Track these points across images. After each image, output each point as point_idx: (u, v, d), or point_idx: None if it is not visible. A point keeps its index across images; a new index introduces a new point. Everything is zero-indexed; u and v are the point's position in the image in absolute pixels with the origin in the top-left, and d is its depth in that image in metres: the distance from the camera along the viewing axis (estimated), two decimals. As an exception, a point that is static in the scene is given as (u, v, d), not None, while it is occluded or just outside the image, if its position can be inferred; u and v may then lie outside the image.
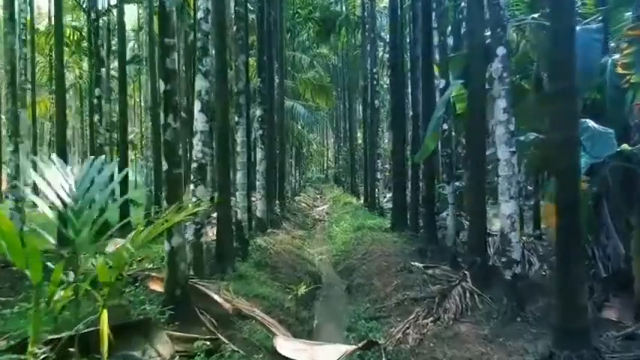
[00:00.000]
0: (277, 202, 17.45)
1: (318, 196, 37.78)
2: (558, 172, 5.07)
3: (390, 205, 21.42)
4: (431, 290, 7.80)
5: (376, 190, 20.32)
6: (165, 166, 5.46)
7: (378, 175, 20.05)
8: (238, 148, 9.60)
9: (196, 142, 6.61)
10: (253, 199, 14.23)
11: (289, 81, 23.40)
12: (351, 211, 21.08)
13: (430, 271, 9.22)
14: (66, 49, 28.33)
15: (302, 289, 7.56)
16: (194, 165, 6.61)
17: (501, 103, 6.55)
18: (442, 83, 9.82)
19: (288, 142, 24.04)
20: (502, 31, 6.61)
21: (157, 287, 5.98)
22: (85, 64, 27.82)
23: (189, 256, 6.45)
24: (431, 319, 6.54)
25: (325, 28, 28.56)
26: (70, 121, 35.90)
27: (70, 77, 30.69)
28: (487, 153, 9.18)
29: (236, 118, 9.63)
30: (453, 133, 11.10)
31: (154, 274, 6.14)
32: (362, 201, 24.24)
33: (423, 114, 11.46)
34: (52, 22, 27.27)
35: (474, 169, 8.04)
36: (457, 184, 14.40)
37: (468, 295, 7.52)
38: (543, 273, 10.14)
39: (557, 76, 5.07)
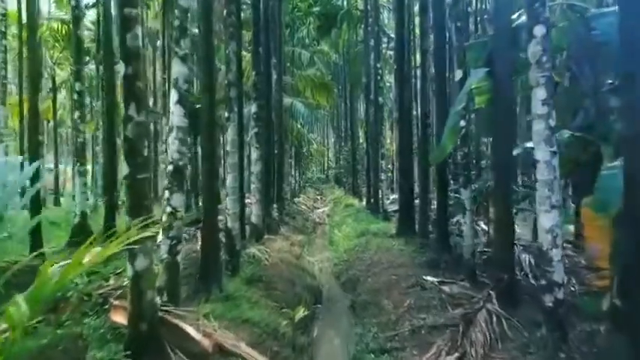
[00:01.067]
0: (275, 205, 16.31)
1: (319, 197, 36.79)
2: (629, 177, 3.95)
3: (393, 207, 20.33)
4: (452, 314, 6.67)
5: (379, 191, 19.18)
6: (125, 169, 4.33)
7: (382, 176, 18.92)
8: (229, 148, 8.47)
9: (172, 140, 5.49)
10: (249, 200, 13.13)
11: (288, 77, 22.25)
12: (353, 214, 19.97)
13: (446, 288, 8.09)
14: (56, 44, 27.24)
15: (300, 313, 6.43)
16: (169, 168, 5.49)
17: (540, 94, 5.42)
18: (459, 74, 8.68)
19: (287, 141, 22.91)
20: (541, 7, 5.48)
21: (120, 319, 4.85)
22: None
23: (162, 279, 5.34)
24: (456, 355, 5.41)
25: (326, 23, 27.45)
26: (67, 121, 34.83)
27: (61, 74, 29.62)
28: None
29: (226, 114, 8.51)
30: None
31: (116, 302, 5.01)
32: (364, 203, 23.15)
33: (436, 109, 10.35)
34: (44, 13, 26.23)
35: (499, 172, 6.91)
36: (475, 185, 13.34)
37: (495, 320, 6.40)
38: (572, 289, 9.06)
39: (626, 57, 3.95)
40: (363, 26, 24.73)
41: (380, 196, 18.95)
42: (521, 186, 13.42)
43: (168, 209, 5.40)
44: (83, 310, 6.69)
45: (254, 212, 11.91)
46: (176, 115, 5.53)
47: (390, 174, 25.90)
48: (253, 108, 11.83)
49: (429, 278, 8.67)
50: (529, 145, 8.07)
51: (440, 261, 10.06)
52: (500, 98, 6.92)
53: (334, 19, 26.37)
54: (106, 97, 13.42)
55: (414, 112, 15.91)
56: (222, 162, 15.80)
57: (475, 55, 8.41)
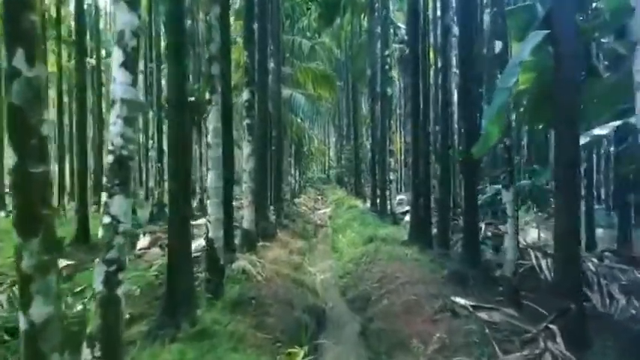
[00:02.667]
0: (272, 207, 14.62)
1: (320, 198, 35.42)
2: None
3: (400, 208, 18.59)
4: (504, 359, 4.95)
5: (387, 192, 17.48)
6: (12, 157, 2.64)
7: (391, 176, 17.21)
8: (210, 138, 6.77)
9: (114, 118, 3.80)
10: (242, 202, 11.45)
11: (288, 68, 20.52)
12: (358, 217, 18.25)
13: (485, 316, 6.38)
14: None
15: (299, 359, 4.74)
16: (109, 159, 3.79)
17: (650, 51, 3.73)
18: (498, 46, 6.97)
19: (286, 137, 21.20)
20: None
21: (19, 392, 3.13)
22: (65, 53, 24.79)
23: (95, 323, 3.62)
24: None
25: (328, 12, 25.72)
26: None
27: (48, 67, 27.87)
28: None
29: (207, 95, 6.82)
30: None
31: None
32: (368, 204, 21.46)
33: (462, 94, 8.65)
34: None
35: (564, 169, 5.21)
36: (495, 187, 11.61)
37: (563, 368, 4.73)
38: (634, 311, 7.38)
39: None
40: (368, 14, 22.99)
41: (388, 197, 17.24)
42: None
43: (106, 219, 3.68)
44: (4, 354, 5.03)
45: (246, 216, 10.21)
46: (119, 84, 3.81)
47: (395, 173, 24.21)
48: (245, 95, 10.11)
49: (459, 300, 6.96)
50: (598, 132, 6.42)
51: (467, 276, 8.38)
52: (563, 70, 5.21)
53: (337, 7, 24.60)
54: (76, 86, 11.74)
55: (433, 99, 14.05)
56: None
57: (518, 23, 6.74)
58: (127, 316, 6.10)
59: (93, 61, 23.62)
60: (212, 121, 6.74)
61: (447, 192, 10.65)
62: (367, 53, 23.44)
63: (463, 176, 8.96)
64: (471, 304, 6.69)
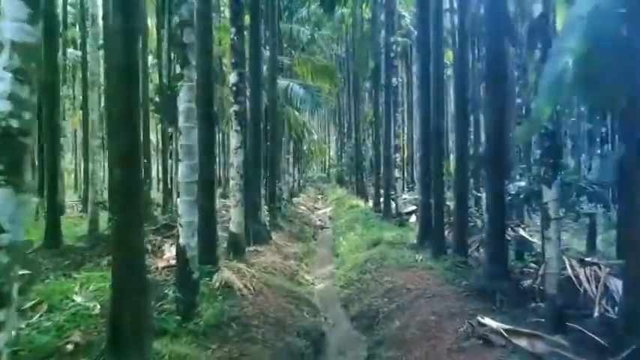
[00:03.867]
0: (266, 207, 13.30)
1: (320, 197, 34.26)
2: None
3: (405, 208, 17.25)
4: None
5: (393, 191, 16.14)
6: None
7: (397, 174, 15.89)
8: (181, 121, 5.47)
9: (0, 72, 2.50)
10: (230, 202, 10.13)
11: (285, 58, 19.18)
12: (361, 218, 16.94)
13: (525, 344, 5.06)
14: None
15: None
16: (-11, 132, 2.49)
17: None
18: (537, 9, 5.65)
19: (284, 132, 19.87)
20: None
21: None
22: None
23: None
24: None
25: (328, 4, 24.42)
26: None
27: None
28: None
29: (177, 69, 5.51)
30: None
31: None
32: (371, 204, 20.14)
33: (490, 72, 7.32)
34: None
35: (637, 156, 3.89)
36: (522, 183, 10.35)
37: None
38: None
39: None
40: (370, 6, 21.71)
41: (394, 196, 15.91)
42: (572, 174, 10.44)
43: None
44: None
45: (233, 218, 8.90)
46: (10, 19, 2.51)
47: (401, 170, 22.85)
48: (232, 78, 8.79)
49: (489, 322, 5.63)
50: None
51: (493, 290, 7.03)
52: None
53: (336, -1, 23.25)
54: (45, 70, 10.41)
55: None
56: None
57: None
58: (71, 346, 4.84)
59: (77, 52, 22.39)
60: (183, 100, 5.42)
61: (465, 190, 9.31)
62: (370, 44, 22.12)
63: (487, 172, 7.61)
64: (505, 327, 5.36)
